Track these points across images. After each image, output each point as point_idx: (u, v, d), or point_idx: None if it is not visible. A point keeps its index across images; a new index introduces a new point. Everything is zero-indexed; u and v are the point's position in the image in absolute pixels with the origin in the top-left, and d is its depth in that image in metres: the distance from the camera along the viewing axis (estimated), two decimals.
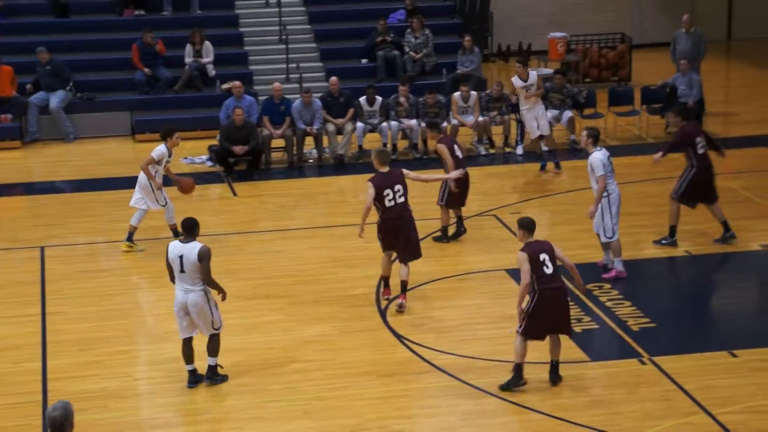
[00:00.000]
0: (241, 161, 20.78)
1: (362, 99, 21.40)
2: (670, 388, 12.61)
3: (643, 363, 13.19)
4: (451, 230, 17.03)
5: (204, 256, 12.41)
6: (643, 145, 21.64)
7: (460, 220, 17.11)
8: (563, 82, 21.88)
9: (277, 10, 25.43)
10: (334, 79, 21.60)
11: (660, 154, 16.54)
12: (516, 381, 12.60)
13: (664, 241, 16.41)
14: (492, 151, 21.43)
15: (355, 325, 14.38)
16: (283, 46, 24.57)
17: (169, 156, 16.77)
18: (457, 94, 21.50)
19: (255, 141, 20.47)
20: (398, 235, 14.66)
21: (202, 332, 12.81)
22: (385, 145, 21.19)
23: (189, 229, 12.59)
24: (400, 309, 14.62)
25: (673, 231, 16.36)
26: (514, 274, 15.77)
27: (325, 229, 17.91)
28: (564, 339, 13.69)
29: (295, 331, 14.33)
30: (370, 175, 14.76)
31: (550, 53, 25.52)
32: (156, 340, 14.18)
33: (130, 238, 16.98)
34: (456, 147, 16.79)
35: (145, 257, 16.79)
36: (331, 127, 21.19)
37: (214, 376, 12.93)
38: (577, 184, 19.53)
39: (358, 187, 20.21)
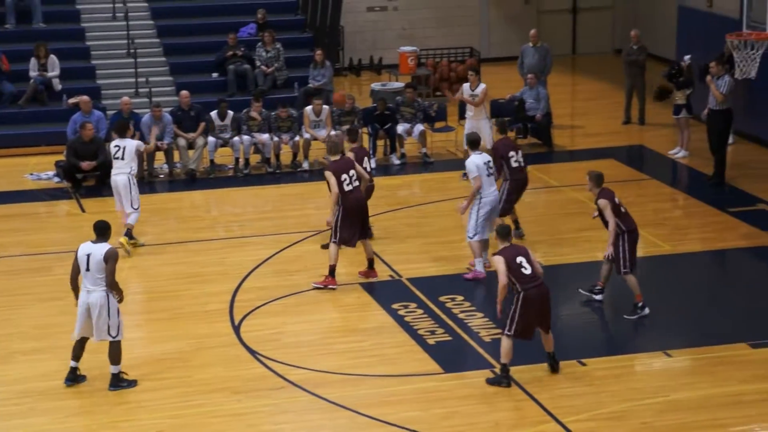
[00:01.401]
0: (90, 177, 20.43)
1: (213, 113, 21.24)
2: (521, 398, 12.81)
3: (496, 374, 13.35)
4: None
5: (110, 257, 12.63)
6: None
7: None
8: (414, 95, 22.07)
9: (124, 23, 25.09)
10: (184, 92, 21.41)
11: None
12: (504, 380, 12.99)
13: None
14: None
15: (209, 342, 14.26)
16: (132, 60, 24.26)
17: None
18: (309, 108, 21.50)
19: (103, 156, 20.14)
20: (363, 217, 15.74)
21: (94, 337, 12.83)
22: (237, 159, 21.08)
23: (102, 231, 12.86)
24: (374, 277, 15.97)
25: (516, 224, 17.18)
26: (368, 287, 15.88)
27: (178, 244, 17.72)
28: (417, 351, 13.82)
29: (148, 348, 14.14)
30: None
31: (401, 67, 25.72)
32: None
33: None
34: (366, 159, 16.96)
35: None
36: (182, 141, 20.98)
37: (119, 383, 12.95)
38: (428, 197, 19.72)
39: (210, 202, 20.07)
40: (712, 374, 13.26)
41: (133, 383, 13.06)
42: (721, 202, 19.11)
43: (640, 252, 16.90)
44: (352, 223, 15.63)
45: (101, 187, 20.22)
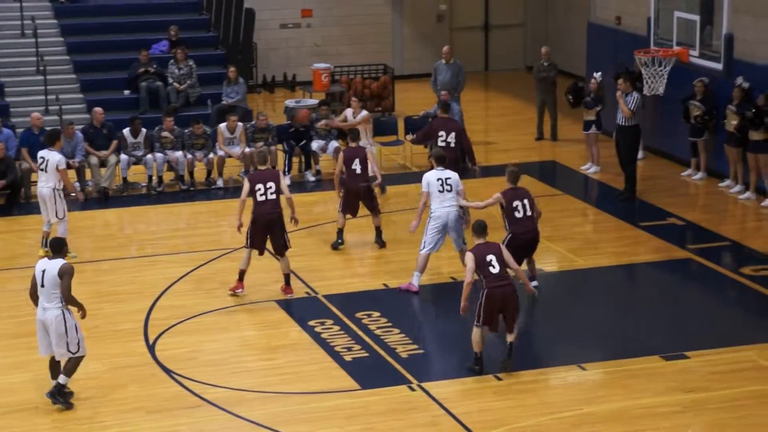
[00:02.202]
0: (0, 195, 20.12)
1: (126, 130, 21.06)
2: (439, 413, 12.85)
3: (413, 389, 13.40)
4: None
5: (65, 272, 12.52)
6: (406, 173, 22.04)
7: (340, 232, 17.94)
8: (328, 112, 22.09)
9: (33, 40, 24.79)
10: (98, 109, 21.19)
11: None
12: (476, 367, 13.58)
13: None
14: None
15: (123, 361, 14.11)
16: (41, 78, 23.97)
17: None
18: (222, 125, 21.42)
19: (13, 174, 19.90)
20: (271, 229, 15.81)
21: (55, 354, 12.68)
22: (150, 177, 20.91)
23: (57, 248, 12.75)
24: (290, 294, 15.98)
25: None
26: (284, 304, 15.84)
27: (90, 263, 17.51)
28: (334, 368, 13.82)
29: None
30: None
31: (315, 84, 25.73)
32: None
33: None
34: (358, 161, 17.58)
35: None
36: (94, 159, 20.76)
37: (57, 396, 12.79)
38: None
39: (124, 221, 19.89)
40: (626, 387, 13.42)
41: (69, 404, 12.86)
42: (632, 216, 19.39)
43: (554, 266, 17.12)
44: (259, 231, 15.83)
45: (11, 205, 19.93)
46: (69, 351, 12.73)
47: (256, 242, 15.93)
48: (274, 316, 15.48)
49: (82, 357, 12.85)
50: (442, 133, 18.39)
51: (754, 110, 19.34)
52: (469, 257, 13.53)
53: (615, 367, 13.93)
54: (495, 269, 13.48)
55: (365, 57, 28.13)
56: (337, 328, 15.08)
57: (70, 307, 12.76)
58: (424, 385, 13.47)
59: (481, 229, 13.74)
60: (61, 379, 12.85)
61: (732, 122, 19.92)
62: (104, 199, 20.59)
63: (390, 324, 15.16)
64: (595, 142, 21.71)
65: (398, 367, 13.97)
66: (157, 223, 19.71)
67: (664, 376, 13.68)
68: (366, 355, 14.30)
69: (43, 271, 12.64)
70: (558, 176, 22.21)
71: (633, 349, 14.37)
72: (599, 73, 21.76)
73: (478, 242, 13.66)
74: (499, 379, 13.63)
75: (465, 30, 30.42)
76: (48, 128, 20.98)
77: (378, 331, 14.95)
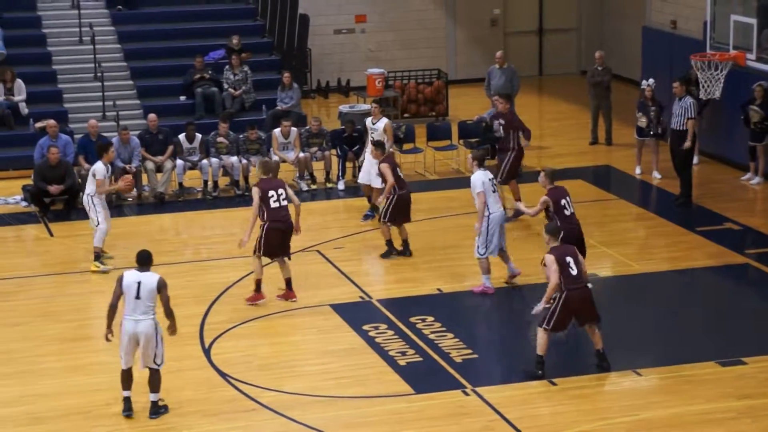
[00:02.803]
0: (57, 201, 20.36)
1: (181, 136, 21.23)
2: (493, 418, 12.84)
3: (467, 394, 13.40)
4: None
5: (164, 285, 12.73)
6: (460, 178, 22.00)
7: (405, 242, 17.71)
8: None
9: (91, 47, 25.05)
10: (152, 116, 21.38)
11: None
12: (534, 372, 13.58)
13: None
14: (314, 186, 21.50)
15: (180, 365, 14.19)
16: (99, 84, 24.21)
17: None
18: (277, 130, 21.52)
19: (71, 180, 20.11)
20: (287, 234, 15.78)
21: (140, 365, 12.81)
22: (205, 182, 21.05)
23: (144, 261, 12.88)
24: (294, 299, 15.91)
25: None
26: (338, 308, 15.89)
27: None
28: (388, 372, 13.84)
29: (118, 372, 14.03)
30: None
31: (369, 89, 25.78)
32: None
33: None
34: (397, 168, 17.57)
35: None
36: (150, 164, 20.95)
37: (158, 410, 12.90)
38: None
39: (180, 225, 20.04)
40: (681, 393, 13.34)
41: (166, 409, 13.01)
42: (689, 221, 19.25)
43: (609, 271, 17.05)
44: (277, 236, 15.74)
45: (69, 211, 20.14)
46: (155, 363, 12.79)
47: (271, 248, 15.77)
48: (329, 321, 15.53)
49: (160, 370, 12.90)
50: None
51: None
52: (552, 259, 13.54)
53: (671, 373, 13.85)
54: (574, 271, 13.52)
55: (419, 62, 28.14)
56: (391, 332, 15.10)
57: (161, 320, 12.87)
58: (479, 389, 13.46)
59: (557, 231, 13.87)
60: (152, 397, 12.90)
61: None
62: (160, 203, 20.76)
63: (444, 329, 15.16)
64: (656, 149, 21.53)
65: (452, 371, 13.97)
66: (212, 228, 19.84)
67: (720, 381, 13.57)
68: (420, 359, 14.31)
69: (139, 283, 12.70)
70: (612, 181, 22.10)
71: (689, 355, 14.27)
72: (652, 80, 21.61)
73: (554, 244, 13.69)
74: (554, 384, 13.59)
75: (519, 34, 30.34)
76: (104, 134, 21.29)
77: (432, 336, 14.95)
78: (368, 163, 19.25)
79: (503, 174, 19.16)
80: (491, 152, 22.48)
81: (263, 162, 16.46)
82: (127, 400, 12.94)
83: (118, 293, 12.84)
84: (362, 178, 19.70)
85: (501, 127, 19.52)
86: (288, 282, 16.06)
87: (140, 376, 13.01)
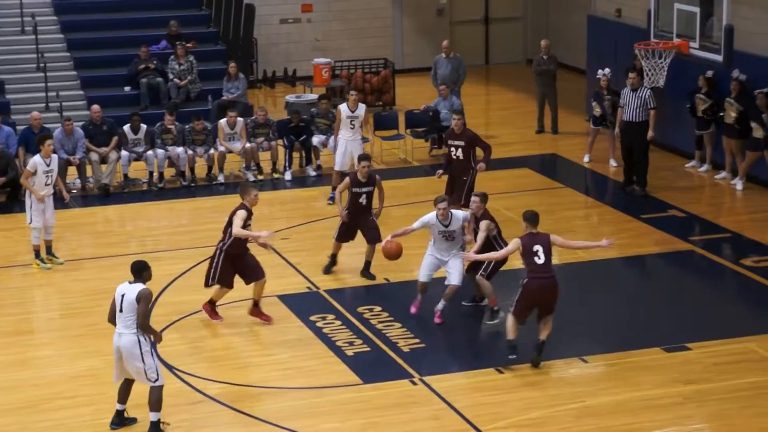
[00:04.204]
0: (0, 192, 20.14)
1: (126, 127, 21.05)
2: (440, 407, 12.85)
3: (414, 383, 13.40)
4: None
5: (142, 297, 11.96)
6: (407, 168, 22.04)
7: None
8: (329, 107, 22.07)
9: (33, 37, 24.77)
10: (95, 107, 21.20)
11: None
12: (512, 355, 13.55)
13: None
14: (260, 177, 21.42)
15: None
16: (41, 75, 23.96)
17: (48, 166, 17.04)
18: (223, 120, 21.40)
19: (14, 172, 19.89)
20: (243, 263, 14.93)
21: (114, 378, 12.32)
22: (151, 173, 20.90)
23: (138, 272, 12.19)
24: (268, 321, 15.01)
25: None
26: (286, 299, 15.83)
27: (91, 260, 17.52)
28: (336, 363, 13.81)
29: (62, 366, 13.97)
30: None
31: (315, 79, 25.70)
32: None
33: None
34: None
35: None
36: (94, 156, 20.76)
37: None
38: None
39: (125, 217, 19.88)
40: (628, 379, 13.42)
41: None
42: (634, 209, 19.37)
43: (555, 259, 17.07)
44: (225, 269, 14.86)
45: (12, 203, 19.92)
46: (148, 379, 12.12)
47: (221, 278, 14.92)
48: (276, 312, 15.46)
49: (162, 386, 12.22)
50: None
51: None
52: (516, 242, 13.56)
53: (617, 360, 13.93)
54: (540, 260, 13.45)
55: (365, 51, 28.10)
56: (338, 323, 15.08)
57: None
58: (426, 378, 13.47)
59: (534, 219, 13.67)
60: (152, 416, 12.14)
61: (731, 114, 19.89)
62: (105, 195, 20.59)
63: (391, 318, 15.16)
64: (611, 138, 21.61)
65: (400, 361, 13.97)
66: (158, 220, 19.71)
67: (666, 367, 13.67)
68: (368, 349, 14.30)
69: (123, 296, 12.05)
70: (559, 169, 22.19)
71: (635, 342, 14.37)
72: (608, 70, 21.67)
73: (529, 231, 13.62)
74: (501, 372, 13.62)
75: (465, 23, 30.39)
76: (47, 126, 21.06)
77: (380, 326, 14.94)
78: (344, 146, 19.46)
79: (466, 196, 17.37)
80: (438, 142, 22.55)
81: (243, 185, 15.14)
82: (117, 413, 12.44)
83: (113, 308, 12.18)
84: (341, 164, 19.57)
85: (460, 150, 17.88)
86: (255, 302, 15.14)
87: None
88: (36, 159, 17.06)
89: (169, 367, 13.85)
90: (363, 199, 16.36)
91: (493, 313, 14.99)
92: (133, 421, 12.49)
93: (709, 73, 20.58)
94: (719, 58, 20.30)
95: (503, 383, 13.40)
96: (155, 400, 12.18)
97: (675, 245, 17.73)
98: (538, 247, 13.51)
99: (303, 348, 14.39)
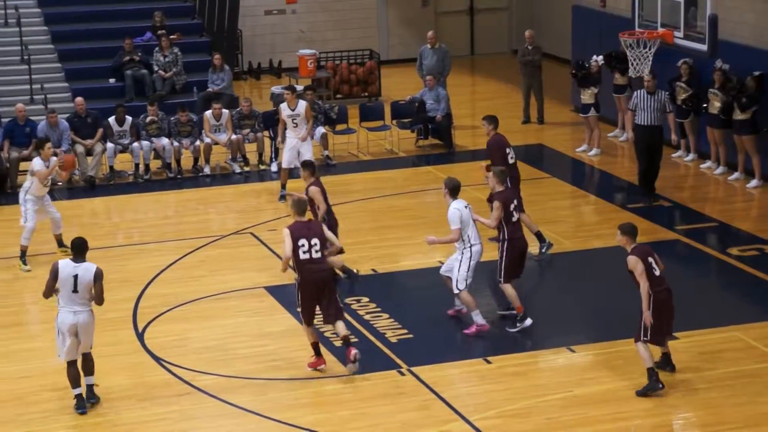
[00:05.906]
0: None
1: (111, 119, 21.01)
2: (428, 397, 12.87)
3: (402, 374, 13.42)
4: None
5: (99, 277, 12.40)
6: (394, 159, 22.05)
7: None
8: (314, 98, 22.05)
9: (17, 29, 24.69)
10: (79, 99, 21.15)
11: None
12: (654, 386, 12.71)
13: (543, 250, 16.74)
14: (246, 168, 21.40)
15: (113, 350, 14.07)
16: (26, 67, 23.88)
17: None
18: (208, 112, 21.37)
19: None
20: (320, 293, 13.35)
21: (80, 350, 12.58)
22: (137, 165, 20.86)
23: (79, 250, 12.49)
24: (355, 361, 13.40)
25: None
26: (273, 291, 15.82)
27: None
28: (324, 354, 13.79)
29: (50, 358, 13.91)
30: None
31: (301, 70, 25.68)
32: None
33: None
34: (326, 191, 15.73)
35: None
36: (80, 148, 20.71)
37: (93, 395, 12.72)
38: (330, 199, 19.64)
39: (111, 209, 19.85)
40: (615, 368, 13.45)
41: (97, 398, 12.79)
42: (620, 199, 19.41)
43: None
44: (310, 296, 13.40)
45: None
46: (90, 346, 12.66)
47: (309, 309, 13.46)
48: (263, 303, 15.47)
49: (90, 351, 12.76)
50: (508, 150, 16.99)
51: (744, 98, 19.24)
52: (636, 261, 12.64)
53: (604, 349, 13.96)
54: (657, 271, 12.70)
55: (351, 43, 28.09)
56: None
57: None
58: (414, 369, 13.48)
59: (634, 231, 12.98)
60: (89, 380, 12.69)
61: (715, 104, 19.91)
62: (91, 187, 20.55)
63: (379, 309, 15.17)
64: (596, 125, 21.61)
65: (388, 352, 13.98)
66: (145, 211, 19.68)
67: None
68: (355, 340, 14.28)
69: (75, 276, 12.35)
70: (545, 159, 22.22)
71: (622, 331, 14.36)
72: (600, 57, 21.68)
73: (634, 245, 12.84)
74: (489, 362, 13.65)
75: (450, 14, 30.38)
76: (32, 118, 21.00)
77: (367, 316, 14.95)
78: (291, 145, 19.04)
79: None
80: (425, 132, 22.57)
81: (297, 202, 13.74)
82: (79, 398, 12.61)
83: (51, 286, 12.48)
84: (287, 162, 19.39)
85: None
86: (345, 338, 13.54)
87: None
88: (36, 162, 17.03)
89: (157, 359, 13.84)
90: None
91: (516, 320, 14.52)
92: (97, 399, 12.75)
93: (688, 61, 20.45)
94: (704, 47, 20.35)
95: (490, 373, 13.42)
96: (91, 366, 12.71)
97: (661, 234, 17.77)
98: (651, 259, 12.74)
99: (290, 339, 14.39)
